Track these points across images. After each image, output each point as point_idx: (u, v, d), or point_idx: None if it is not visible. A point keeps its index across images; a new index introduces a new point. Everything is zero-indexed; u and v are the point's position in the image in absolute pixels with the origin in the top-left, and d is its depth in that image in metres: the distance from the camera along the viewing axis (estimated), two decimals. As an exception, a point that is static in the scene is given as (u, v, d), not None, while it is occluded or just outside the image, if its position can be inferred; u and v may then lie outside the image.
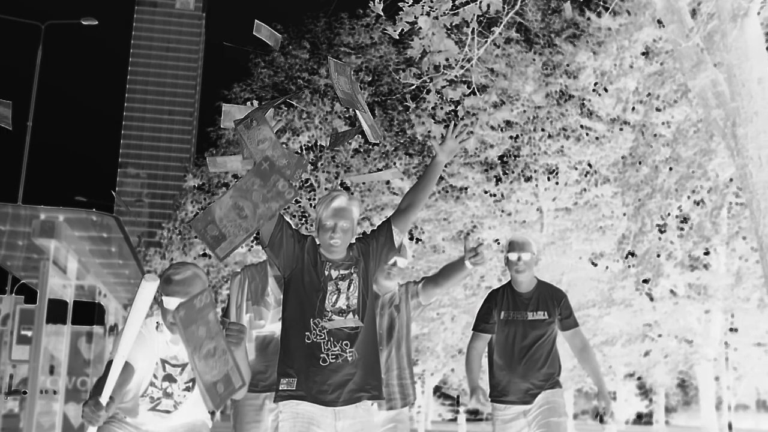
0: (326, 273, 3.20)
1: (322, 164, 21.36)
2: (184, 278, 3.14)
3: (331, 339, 3.11)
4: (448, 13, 4.70)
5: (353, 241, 3.37)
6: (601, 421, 4.09)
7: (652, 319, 17.11)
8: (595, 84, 15.16)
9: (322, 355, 3.09)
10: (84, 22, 17.81)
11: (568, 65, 16.70)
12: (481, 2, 4.72)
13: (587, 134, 17.11)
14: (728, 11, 5.16)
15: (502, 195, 18.77)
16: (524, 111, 17.43)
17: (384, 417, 3.87)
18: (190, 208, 23.33)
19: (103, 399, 2.91)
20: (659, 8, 5.42)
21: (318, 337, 3.11)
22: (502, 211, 18.64)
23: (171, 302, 3.11)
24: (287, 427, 3.09)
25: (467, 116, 16.02)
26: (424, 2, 4.69)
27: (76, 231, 5.81)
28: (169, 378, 3.23)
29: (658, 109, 12.36)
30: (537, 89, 17.20)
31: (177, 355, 3.24)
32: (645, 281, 13.77)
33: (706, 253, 15.33)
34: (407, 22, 4.74)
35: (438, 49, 4.57)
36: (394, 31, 4.69)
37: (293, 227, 3.26)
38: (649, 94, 11.03)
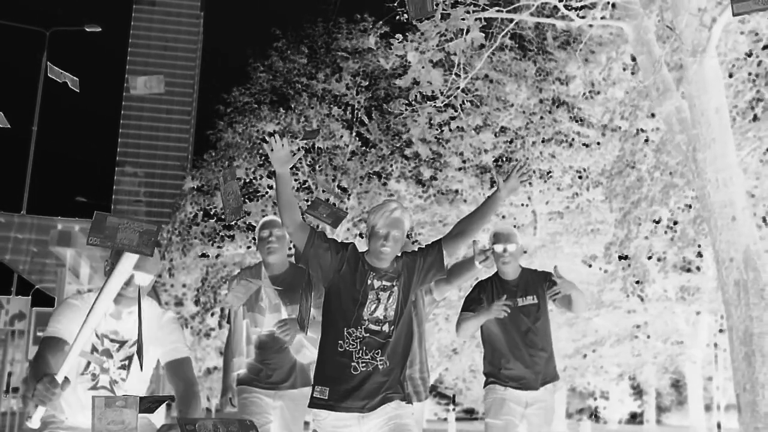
0: (368, 282, 3.24)
1: (319, 167, 21.69)
2: None
3: (364, 348, 3.17)
4: (435, 48, 5.08)
5: (399, 254, 3.38)
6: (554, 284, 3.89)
7: (641, 321, 17.51)
8: (588, 92, 15.56)
9: (353, 364, 3.16)
10: (88, 29, 18.11)
11: (560, 71, 17.07)
12: (464, 38, 5.11)
13: (579, 140, 17.50)
14: (689, 46, 5.57)
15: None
16: (514, 117, 17.82)
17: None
18: (189, 209, 23.57)
19: (59, 377, 2.70)
20: (630, 40, 5.83)
21: (351, 346, 3.18)
22: (496, 213, 18.97)
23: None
24: None
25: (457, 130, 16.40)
26: (413, 39, 5.08)
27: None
28: (107, 353, 3.07)
29: (653, 115, 12.72)
30: (530, 96, 17.58)
31: (117, 329, 3.10)
32: (638, 282, 14.08)
33: (700, 255, 15.64)
34: (397, 56, 5.13)
35: (426, 80, 4.95)
36: (386, 62, 5.08)
37: (328, 238, 3.31)
38: (634, 105, 11.41)
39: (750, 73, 11.33)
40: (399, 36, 5.07)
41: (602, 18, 6.05)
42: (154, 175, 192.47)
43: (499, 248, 4.30)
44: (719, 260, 5.74)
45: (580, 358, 19.18)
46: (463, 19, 5.07)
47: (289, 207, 3.28)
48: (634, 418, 50.88)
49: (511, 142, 18.59)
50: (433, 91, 5.20)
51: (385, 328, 3.21)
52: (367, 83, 21.92)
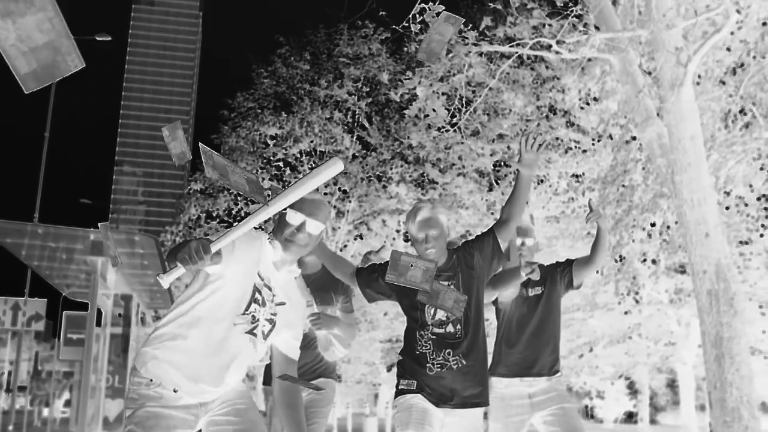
0: None
1: (321, 170, 22.07)
2: (314, 199, 2.93)
3: (435, 349, 3.26)
4: (440, 82, 5.60)
5: (452, 247, 3.48)
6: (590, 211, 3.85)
7: (634, 322, 17.97)
8: (583, 102, 16.02)
9: (428, 365, 3.26)
10: (98, 38, 18.55)
11: (557, 78, 17.50)
12: (467, 73, 5.65)
13: (575, 146, 17.95)
14: (668, 80, 6.16)
15: (495, 203, 19.57)
16: (514, 124, 18.28)
17: None
18: (192, 211, 23.96)
19: (215, 246, 2.43)
20: (617, 70, 6.39)
21: (424, 347, 3.28)
22: (495, 217, 19.40)
23: (295, 217, 2.88)
24: (403, 417, 3.25)
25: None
26: (421, 73, 5.60)
27: (118, 248, 6.71)
28: (261, 302, 2.87)
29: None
30: (527, 104, 18.05)
31: (272, 279, 2.91)
32: (631, 284, 14.43)
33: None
34: (408, 89, 5.67)
35: (432, 109, 5.46)
36: (396, 94, 5.61)
37: (374, 268, 3.45)
38: (627, 118, 11.87)
39: (742, 80, 11.67)
40: (409, 73, 5.64)
41: (590, 49, 6.59)
42: (153, 175, 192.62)
43: (517, 242, 4.25)
44: (694, 272, 6.32)
45: (576, 358, 19.67)
46: (467, 55, 5.61)
47: (333, 264, 3.51)
48: (631, 417, 51.38)
49: (508, 147, 19.02)
50: (436, 111, 5.73)
51: (450, 328, 3.28)
52: (368, 89, 22.36)
